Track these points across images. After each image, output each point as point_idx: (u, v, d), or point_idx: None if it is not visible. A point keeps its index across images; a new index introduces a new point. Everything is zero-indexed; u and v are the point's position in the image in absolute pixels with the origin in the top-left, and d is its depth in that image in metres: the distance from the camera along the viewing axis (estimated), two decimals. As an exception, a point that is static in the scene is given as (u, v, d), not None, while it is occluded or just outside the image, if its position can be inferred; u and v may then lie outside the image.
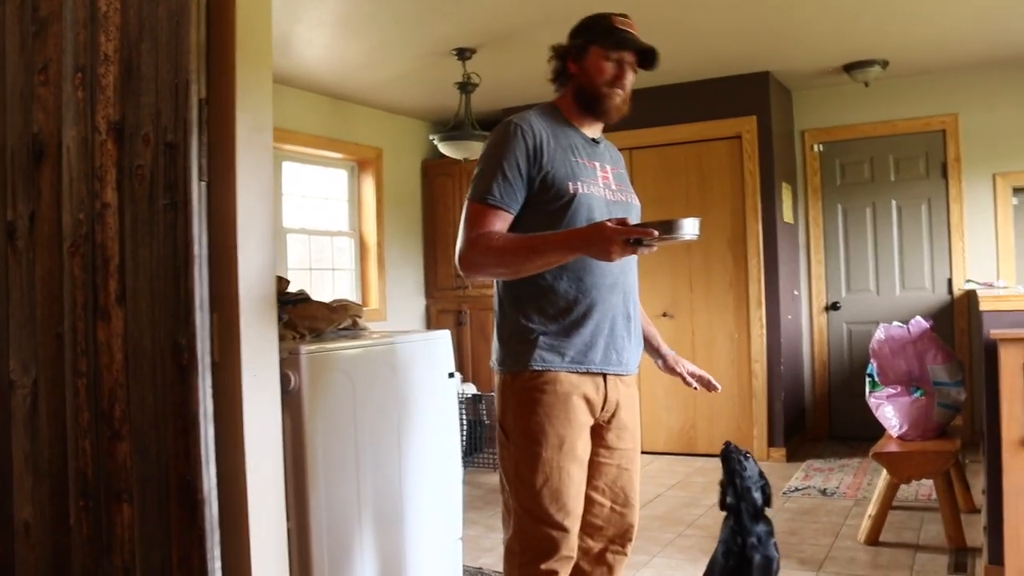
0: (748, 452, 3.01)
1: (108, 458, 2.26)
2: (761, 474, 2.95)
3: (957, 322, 6.49)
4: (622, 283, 2.35)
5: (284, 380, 2.43)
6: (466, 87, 5.60)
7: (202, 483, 2.12)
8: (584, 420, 2.28)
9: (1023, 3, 4.89)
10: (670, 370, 2.63)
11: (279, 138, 5.96)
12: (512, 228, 2.25)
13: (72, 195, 2.34)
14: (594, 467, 2.36)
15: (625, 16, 2.39)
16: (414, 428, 2.92)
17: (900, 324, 4.34)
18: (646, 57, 2.36)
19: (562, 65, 2.38)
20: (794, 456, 6.26)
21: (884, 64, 6.09)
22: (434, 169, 7.54)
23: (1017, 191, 6.44)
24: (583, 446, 2.28)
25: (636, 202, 2.49)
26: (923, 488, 5.05)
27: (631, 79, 2.36)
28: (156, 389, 2.19)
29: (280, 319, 2.69)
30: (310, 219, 6.69)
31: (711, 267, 6.47)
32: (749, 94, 6.33)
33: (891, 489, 4.08)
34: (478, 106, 6.14)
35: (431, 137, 5.93)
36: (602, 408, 2.33)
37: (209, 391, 2.16)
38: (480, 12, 4.74)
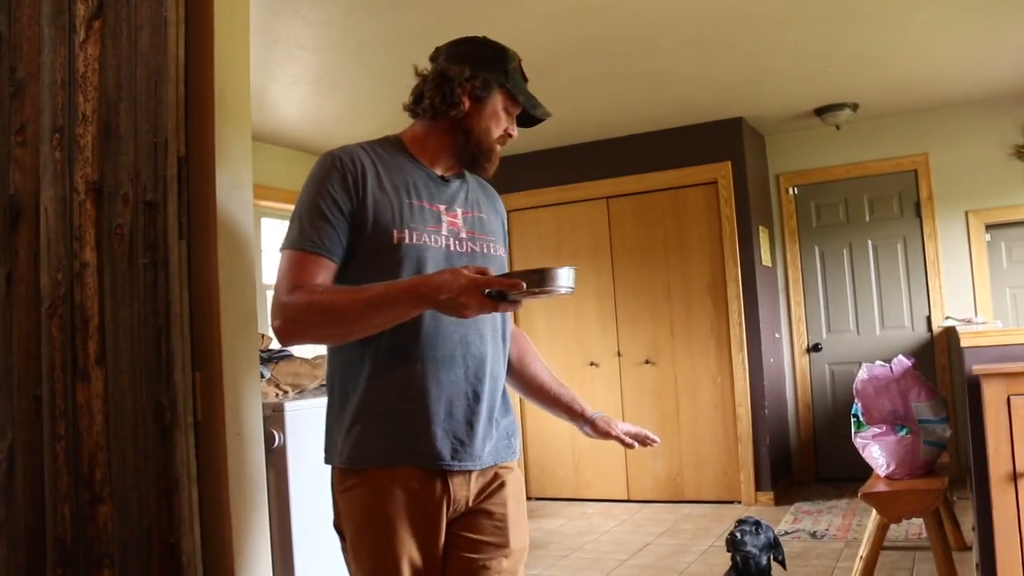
0: (759, 521, 3.07)
1: (88, 522, 2.21)
2: (774, 542, 3.03)
3: (938, 359, 6.52)
4: (464, 354, 1.89)
5: (268, 438, 2.40)
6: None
7: (186, 545, 2.08)
8: (414, 529, 1.83)
9: (987, 47, 5.00)
10: (604, 434, 2.21)
11: (257, 195, 5.95)
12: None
13: (50, 256, 2.31)
14: (457, 567, 1.89)
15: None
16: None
17: (883, 363, 4.35)
18: (529, 123, 2.07)
19: (449, 94, 1.91)
20: (782, 500, 6.23)
21: (854, 107, 6.20)
22: (412, 222, 7.54)
23: (990, 228, 6.52)
24: (410, 564, 1.83)
25: (498, 253, 2.05)
26: (913, 527, 5.03)
27: None
28: (138, 451, 2.15)
29: (262, 376, 2.67)
30: (289, 275, 6.66)
31: (692, 313, 6.48)
32: (723, 140, 6.41)
33: (881, 529, 4.06)
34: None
35: (409, 190, 5.94)
36: (447, 508, 1.87)
37: (193, 451, 2.12)
38: (455, 66, 4.78)
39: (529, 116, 2.03)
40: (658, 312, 6.53)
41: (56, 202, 2.32)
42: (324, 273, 1.82)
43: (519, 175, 6.87)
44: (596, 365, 6.64)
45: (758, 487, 6.23)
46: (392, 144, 1.99)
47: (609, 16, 4.21)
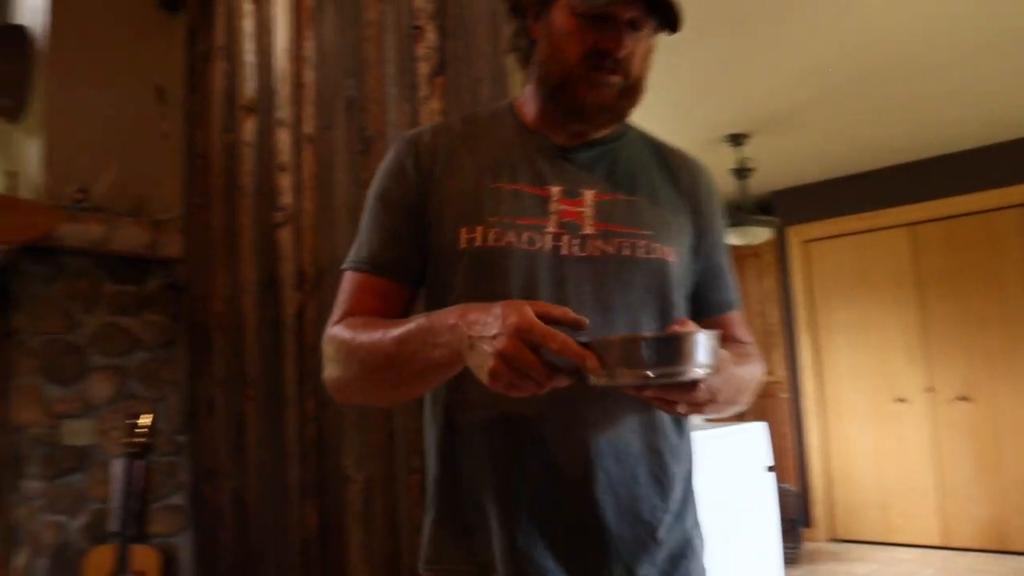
0: None
1: (440, 553, 2.32)
2: None
3: None
4: (566, 414, 1.19)
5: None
6: (742, 172, 5.54)
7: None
8: None
9: None
10: None
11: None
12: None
13: (399, 299, 2.48)
14: None
15: None
16: (729, 525, 2.82)
17: None
18: (657, 9, 1.21)
19: (521, 25, 1.33)
20: None
21: None
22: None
23: None
24: None
25: (662, 257, 1.27)
26: None
27: (633, 50, 1.24)
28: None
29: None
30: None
31: (1015, 346, 5.92)
32: (1044, 155, 5.86)
33: None
34: (751, 190, 6.07)
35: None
36: None
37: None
38: (755, 96, 4.70)
39: (657, 10, 1.21)
40: (973, 345, 6.03)
41: (403, 249, 2.48)
42: (386, 301, 1.29)
43: (814, 204, 6.64)
44: (904, 401, 6.23)
45: (1102, 540, 5.57)
46: (501, 112, 1.40)
47: (924, 30, 3.97)
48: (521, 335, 0.96)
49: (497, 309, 1.00)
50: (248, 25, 3.32)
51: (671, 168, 1.39)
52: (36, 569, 3.23)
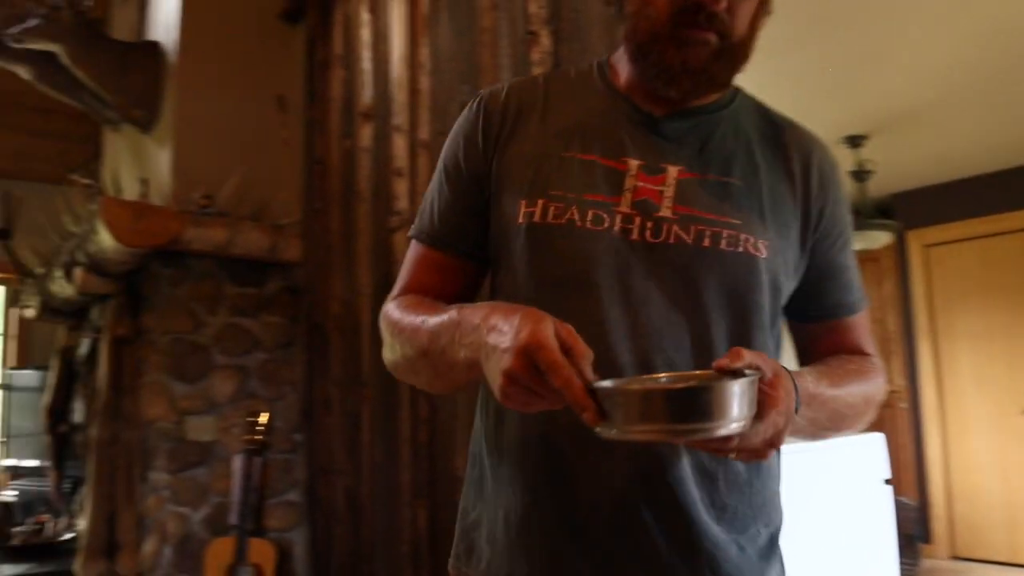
0: None
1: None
2: None
3: None
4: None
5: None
6: (861, 175, 5.39)
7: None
8: None
9: None
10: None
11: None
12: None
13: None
14: None
15: None
16: (844, 539, 2.75)
17: None
18: None
19: None
20: None
21: None
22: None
23: None
24: None
25: (752, 252, 1.08)
26: None
27: (735, 4, 1.06)
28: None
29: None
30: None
31: None
32: None
33: None
34: (869, 193, 5.91)
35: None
36: None
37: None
38: (875, 95, 4.57)
39: None
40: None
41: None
42: (444, 276, 1.20)
43: (937, 207, 6.40)
44: (1032, 414, 5.96)
45: None
46: (591, 71, 1.23)
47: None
48: (529, 353, 0.85)
49: (516, 318, 0.89)
50: (365, 34, 3.40)
51: (784, 146, 1.18)
52: (162, 556, 3.38)
